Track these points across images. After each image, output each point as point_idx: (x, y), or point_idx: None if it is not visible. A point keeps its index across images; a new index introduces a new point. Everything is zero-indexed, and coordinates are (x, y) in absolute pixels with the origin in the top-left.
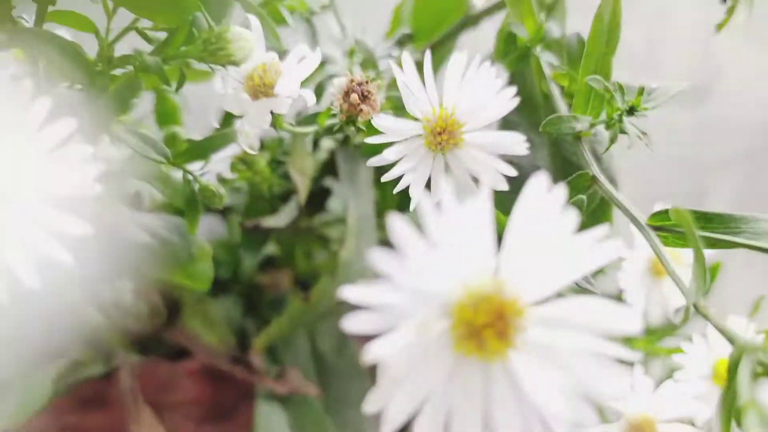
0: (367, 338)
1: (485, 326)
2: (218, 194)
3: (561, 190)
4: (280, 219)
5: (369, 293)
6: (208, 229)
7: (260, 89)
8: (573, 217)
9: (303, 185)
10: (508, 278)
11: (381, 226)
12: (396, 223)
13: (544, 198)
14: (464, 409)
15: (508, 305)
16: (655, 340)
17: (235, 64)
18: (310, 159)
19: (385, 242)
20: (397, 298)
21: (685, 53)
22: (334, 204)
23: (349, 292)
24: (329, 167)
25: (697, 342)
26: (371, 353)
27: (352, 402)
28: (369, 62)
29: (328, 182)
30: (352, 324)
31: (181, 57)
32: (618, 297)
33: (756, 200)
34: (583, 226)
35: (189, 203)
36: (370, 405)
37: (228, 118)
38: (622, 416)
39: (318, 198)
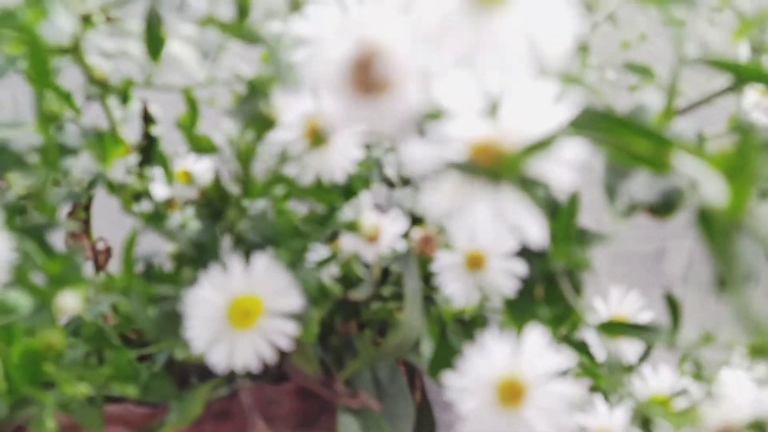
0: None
1: None
2: (336, 289)
3: None
4: (362, 293)
5: None
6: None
7: (371, 239)
8: None
9: (377, 271)
10: None
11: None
12: None
13: None
14: None
15: None
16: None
17: (363, 236)
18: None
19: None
20: None
21: None
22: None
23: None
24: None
25: None
26: None
27: (401, 416)
28: None
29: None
30: None
31: (334, 227)
32: None
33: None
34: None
35: (317, 295)
36: None
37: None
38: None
39: (383, 276)
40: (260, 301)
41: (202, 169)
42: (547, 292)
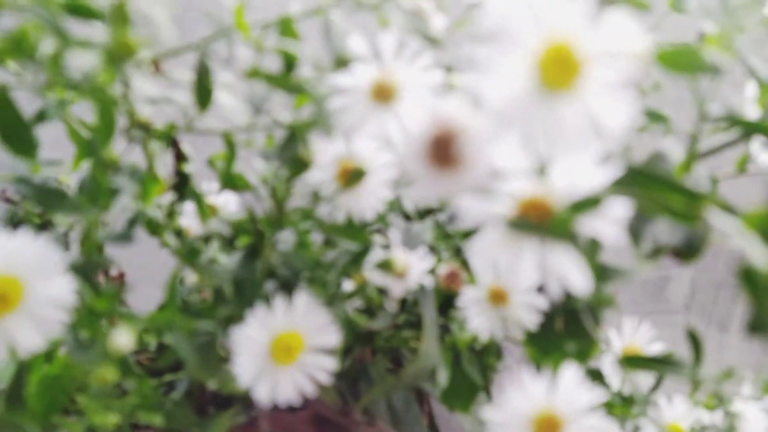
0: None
1: None
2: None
3: None
4: (380, 324)
5: None
6: None
7: (400, 275)
8: None
9: (397, 304)
10: None
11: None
12: None
13: None
14: None
15: None
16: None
17: (394, 272)
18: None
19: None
20: None
21: None
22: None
23: None
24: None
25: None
26: None
27: None
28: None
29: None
30: None
31: (367, 265)
32: None
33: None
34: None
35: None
36: None
37: None
38: None
39: (401, 306)
40: (301, 338)
41: (232, 205)
42: (568, 326)
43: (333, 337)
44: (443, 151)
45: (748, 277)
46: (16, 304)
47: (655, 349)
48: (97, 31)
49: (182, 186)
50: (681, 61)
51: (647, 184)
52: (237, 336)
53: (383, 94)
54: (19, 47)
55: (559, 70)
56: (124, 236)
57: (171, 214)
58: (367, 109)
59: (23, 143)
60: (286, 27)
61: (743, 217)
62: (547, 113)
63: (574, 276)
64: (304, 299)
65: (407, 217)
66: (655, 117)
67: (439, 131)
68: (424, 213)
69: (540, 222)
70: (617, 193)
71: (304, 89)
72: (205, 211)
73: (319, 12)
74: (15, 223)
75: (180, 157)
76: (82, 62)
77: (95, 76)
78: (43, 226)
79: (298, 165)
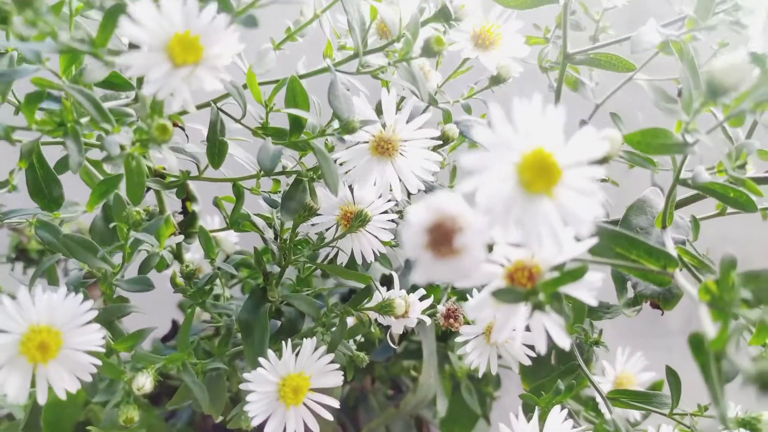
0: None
1: None
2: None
3: None
4: (380, 356)
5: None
6: None
7: (403, 315)
8: None
9: (397, 338)
10: None
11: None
12: None
13: None
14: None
15: None
16: None
17: (395, 315)
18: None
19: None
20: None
21: None
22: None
23: None
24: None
25: None
26: None
27: None
28: None
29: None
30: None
31: (363, 309)
32: None
33: None
34: None
35: (347, 364)
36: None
37: None
38: None
39: (401, 339)
40: (308, 379)
41: (233, 238)
42: (560, 361)
43: (337, 378)
44: (441, 240)
45: (696, 342)
46: (56, 352)
47: (646, 378)
48: (131, 108)
49: (190, 224)
50: (651, 143)
51: (625, 248)
52: (250, 379)
53: (383, 148)
54: (61, 125)
55: (538, 177)
56: (144, 284)
57: (179, 253)
58: (368, 163)
59: (53, 199)
60: (294, 86)
61: (700, 289)
62: (529, 211)
63: (558, 334)
64: (310, 345)
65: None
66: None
67: (436, 224)
68: None
69: (526, 290)
70: (597, 259)
71: (310, 146)
72: (213, 250)
73: (325, 70)
74: (19, 251)
75: (188, 197)
76: (120, 139)
77: (131, 151)
78: (42, 252)
79: (303, 211)
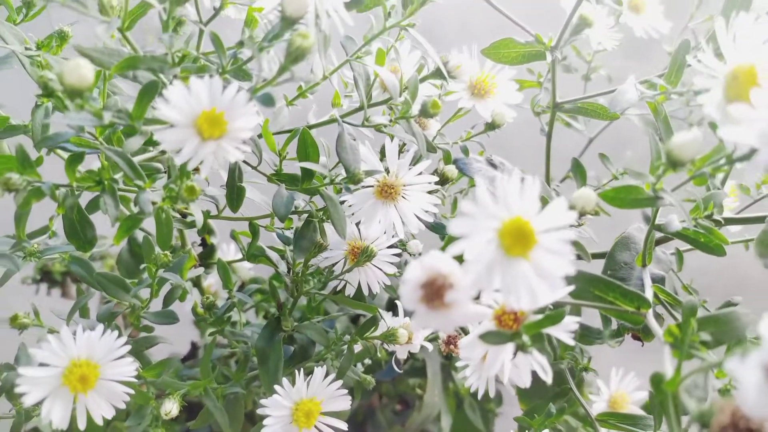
0: None
1: None
2: (370, 382)
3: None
4: (386, 376)
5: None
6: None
7: (407, 342)
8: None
9: (403, 357)
10: None
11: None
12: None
13: None
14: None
15: None
16: None
17: (398, 342)
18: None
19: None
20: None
21: None
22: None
23: None
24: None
25: None
26: None
27: None
28: None
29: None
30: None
31: (369, 338)
32: None
33: None
34: None
35: (355, 387)
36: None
37: None
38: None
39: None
40: (319, 404)
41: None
42: (556, 383)
43: (345, 403)
44: (433, 296)
45: (656, 382)
46: (94, 383)
47: (639, 397)
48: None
49: (209, 256)
50: (624, 198)
51: (602, 291)
52: (266, 404)
53: (387, 193)
54: (99, 182)
55: (516, 242)
56: (170, 317)
57: (199, 282)
58: (373, 206)
59: (87, 240)
60: (305, 138)
61: (665, 330)
62: (509, 271)
63: (540, 370)
64: (320, 372)
65: None
66: None
67: (429, 280)
68: None
69: (511, 332)
70: (577, 302)
71: (320, 192)
72: (231, 282)
73: (333, 121)
74: (44, 273)
75: (207, 231)
76: (152, 197)
77: (161, 205)
78: (65, 274)
79: (314, 248)
